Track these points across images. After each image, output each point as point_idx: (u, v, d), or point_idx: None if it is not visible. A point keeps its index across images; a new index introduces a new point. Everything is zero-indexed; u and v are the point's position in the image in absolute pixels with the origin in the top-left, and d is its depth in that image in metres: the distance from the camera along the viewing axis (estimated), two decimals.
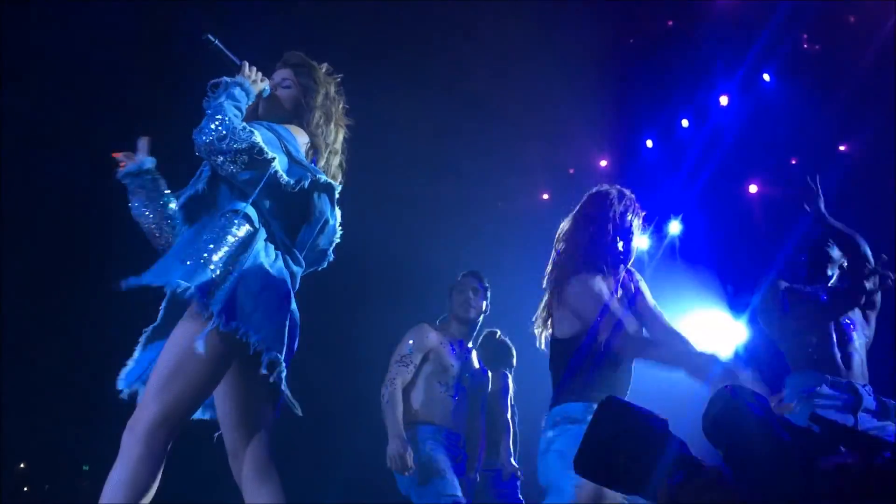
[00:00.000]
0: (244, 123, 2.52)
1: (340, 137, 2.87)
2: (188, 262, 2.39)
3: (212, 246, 2.42)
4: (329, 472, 6.46)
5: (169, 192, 2.75)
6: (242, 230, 2.48)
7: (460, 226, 6.39)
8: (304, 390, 2.75)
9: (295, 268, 2.62)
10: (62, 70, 5.50)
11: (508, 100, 6.04)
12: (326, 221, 2.68)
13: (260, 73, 2.71)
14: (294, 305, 2.61)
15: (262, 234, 2.52)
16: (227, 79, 2.61)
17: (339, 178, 2.87)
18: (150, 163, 2.80)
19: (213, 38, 2.71)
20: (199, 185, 2.58)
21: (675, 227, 6.35)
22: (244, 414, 2.53)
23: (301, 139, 2.72)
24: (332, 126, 2.83)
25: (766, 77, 6.00)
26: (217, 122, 2.48)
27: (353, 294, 6.45)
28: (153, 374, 2.36)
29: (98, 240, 5.78)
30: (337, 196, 2.71)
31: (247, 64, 2.71)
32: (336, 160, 2.85)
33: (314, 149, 2.78)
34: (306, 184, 2.58)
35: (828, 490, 1.08)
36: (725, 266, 5.93)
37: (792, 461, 1.12)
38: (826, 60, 5.36)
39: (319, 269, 2.82)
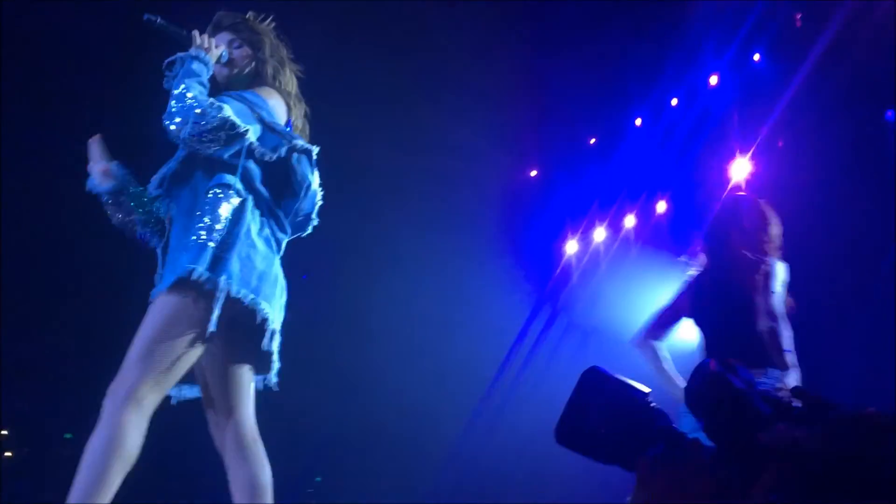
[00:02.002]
0: (211, 99, 2.48)
1: (295, 82, 2.84)
2: (191, 248, 2.38)
3: (207, 222, 2.41)
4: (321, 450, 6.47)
5: (142, 190, 2.70)
6: (234, 202, 2.47)
7: (445, 201, 6.38)
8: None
9: (280, 235, 2.62)
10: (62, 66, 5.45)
11: (495, 75, 6.01)
12: (308, 185, 2.66)
13: (213, 40, 2.65)
14: (280, 271, 2.61)
15: (251, 203, 2.50)
16: (182, 54, 2.57)
17: (307, 128, 2.85)
18: (120, 175, 2.73)
19: (154, 17, 2.65)
20: (172, 164, 2.55)
21: (662, 207, 6.37)
22: (227, 384, 2.53)
23: (272, 100, 2.69)
24: (288, 72, 2.80)
25: (757, 57, 5.99)
26: (184, 105, 2.43)
27: (330, 271, 6.44)
28: (135, 340, 2.35)
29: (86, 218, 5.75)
30: (315, 158, 2.69)
31: (197, 33, 2.65)
32: (301, 109, 2.84)
33: (285, 105, 2.75)
34: (283, 151, 2.56)
35: (794, 463, 1.08)
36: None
37: (767, 433, 1.13)
38: (820, 40, 5.34)
39: (304, 234, 2.80)
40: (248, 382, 2.56)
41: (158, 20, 2.64)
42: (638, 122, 6.64)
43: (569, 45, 6.12)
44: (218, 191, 2.47)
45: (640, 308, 6.09)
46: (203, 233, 2.40)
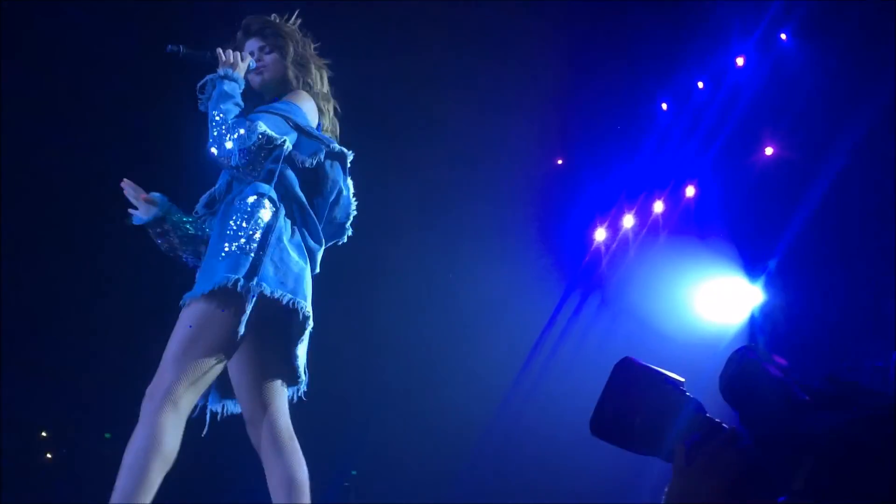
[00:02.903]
0: (248, 120, 2.49)
1: (326, 79, 2.85)
2: (226, 256, 2.40)
3: (245, 232, 2.44)
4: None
5: (181, 215, 2.72)
6: (268, 211, 2.49)
7: (471, 192, 6.36)
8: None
9: (312, 243, 2.63)
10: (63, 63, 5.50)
11: (519, 63, 5.98)
12: (340, 192, 2.68)
13: (238, 53, 2.66)
14: (309, 280, 2.63)
15: (283, 212, 2.52)
16: (212, 76, 2.59)
17: (336, 127, 2.87)
18: (162, 202, 2.74)
19: (177, 48, 2.68)
20: (220, 184, 2.62)
21: (690, 192, 6.31)
22: (261, 384, 2.56)
23: (305, 104, 2.70)
24: (315, 70, 2.81)
25: (784, 37, 5.90)
26: (221, 132, 2.47)
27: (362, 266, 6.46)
28: (170, 343, 2.39)
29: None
30: (349, 164, 2.71)
31: (220, 51, 2.66)
32: (331, 107, 2.85)
33: (316, 106, 2.77)
34: (322, 156, 2.58)
35: (842, 451, 1.07)
36: (741, 230, 5.89)
37: (804, 421, 1.12)
38: (850, 19, 5.25)
39: (339, 243, 2.82)
40: (277, 381, 2.59)
41: (182, 50, 2.66)
42: (664, 106, 6.58)
43: (592, 29, 6.07)
44: (252, 199, 2.49)
45: (670, 294, 6.09)
46: (237, 241, 2.43)
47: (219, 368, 2.42)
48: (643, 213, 6.55)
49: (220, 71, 2.60)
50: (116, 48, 5.38)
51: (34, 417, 6.48)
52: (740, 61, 6.10)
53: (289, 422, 2.56)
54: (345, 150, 2.69)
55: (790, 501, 1.10)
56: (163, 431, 2.26)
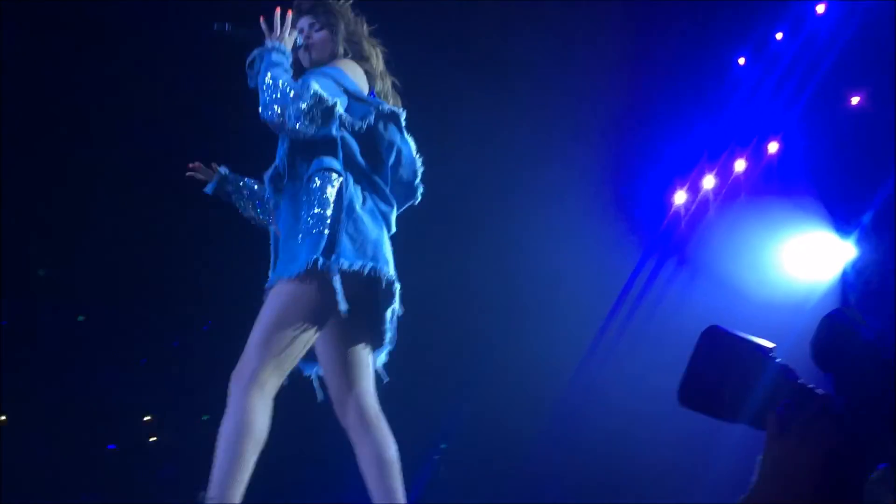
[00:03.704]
0: (299, 81, 2.54)
1: (381, 57, 2.82)
2: (305, 237, 2.44)
3: (318, 212, 2.47)
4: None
5: (255, 183, 2.79)
6: (336, 185, 2.51)
7: (544, 154, 6.29)
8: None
9: (384, 207, 2.64)
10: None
11: (589, 19, 5.86)
12: (400, 151, 2.66)
13: (286, 27, 2.66)
14: (388, 243, 2.64)
15: (350, 179, 2.53)
16: (259, 50, 2.61)
17: (398, 101, 2.86)
18: (221, 172, 2.85)
19: (222, 25, 2.70)
20: (281, 158, 2.63)
21: (773, 148, 6.11)
22: (346, 362, 2.60)
23: (353, 70, 2.69)
24: (367, 47, 2.78)
25: None
26: (278, 92, 2.48)
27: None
28: (255, 327, 2.45)
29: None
30: (404, 122, 2.69)
31: (265, 25, 2.67)
32: (388, 82, 2.84)
33: (369, 76, 2.77)
34: (372, 119, 2.56)
35: None
36: (830, 185, 5.68)
37: None
38: None
39: (415, 203, 2.82)
40: (366, 359, 2.62)
41: (227, 27, 2.70)
42: (741, 61, 6.36)
43: None
44: (319, 176, 2.51)
45: (754, 253, 5.93)
46: (313, 220, 2.46)
47: (303, 350, 2.47)
48: (724, 173, 6.37)
49: (268, 43, 2.62)
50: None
51: (137, 402, 6.76)
52: (821, 8, 5.85)
53: (375, 400, 2.59)
54: (396, 109, 2.67)
55: (892, 466, 1.08)
56: (252, 414, 2.33)
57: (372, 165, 2.63)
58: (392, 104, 2.82)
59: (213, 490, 2.29)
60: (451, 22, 5.67)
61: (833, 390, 1.18)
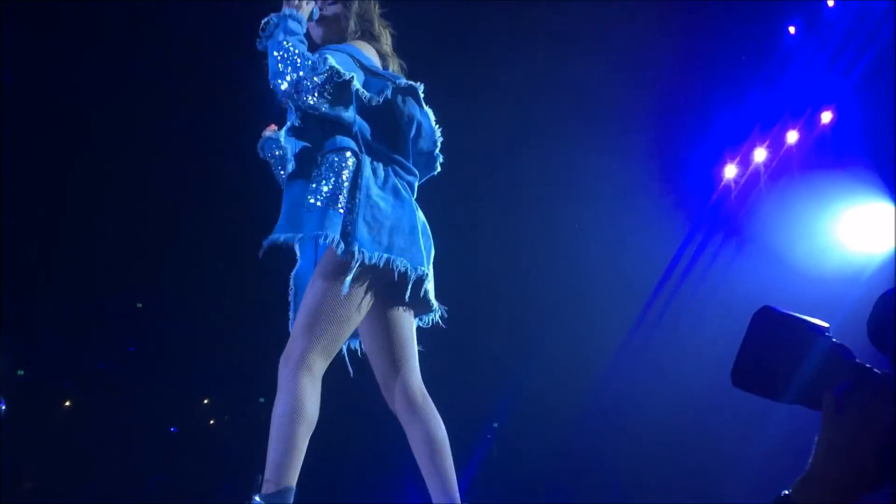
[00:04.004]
0: (315, 53, 2.49)
1: (389, 38, 2.80)
2: (314, 212, 2.44)
3: (331, 189, 2.46)
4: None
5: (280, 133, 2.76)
6: (350, 164, 2.51)
7: (592, 129, 6.23)
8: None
9: (408, 177, 2.64)
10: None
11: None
12: (420, 124, 2.63)
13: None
14: (420, 214, 2.64)
15: (367, 160, 2.54)
16: (275, 15, 2.57)
17: (405, 71, 2.83)
18: (270, 139, 2.76)
19: None
20: (292, 118, 2.59)
21: (826, 118, 5.96)
22: (389, 345, 2.61)
23: (368, 51, 2.67)
24: (378, 27, 2.77)
25: None
26: (290, 62, 2.44)
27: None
28: (301, 311, 2.48)
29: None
30: (422, 95, 2.65)
31: None
32: (396, 63, 2.82)
33: (381, 56, 2.74)
34: (389, 93, 2.55)
35: None
36: (886, 154, 5.53)
37: None
38: None
39: (435, 173, 2.81)
40: (408, 340, 2.63)
41: None
42: (792, 29, 6.20)
43: None
44: (334, 156, 2.50)
45: (807, 226, 5.82)
46: (327, 197, 2.44)
47: (348, 332, 2.50)
48: (776, 145, 6.24)
49: (286, 10, 2.59)
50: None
51: (197, 386, 6.92)
52: None
53: (420, 382, 2.60)
54: (413, 83, 2.64)
55: None
56: (303, 396, 2.37)
57: (392, 140, 2.62)
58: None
59: (269, 472, 2.34)
60: None
61: (891, 370, 1.17)
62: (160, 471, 6.41)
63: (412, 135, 2.63)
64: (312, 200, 2.45)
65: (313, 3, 2.71)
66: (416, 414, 2.54)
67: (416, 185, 2.70)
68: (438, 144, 2.74)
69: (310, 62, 2.44)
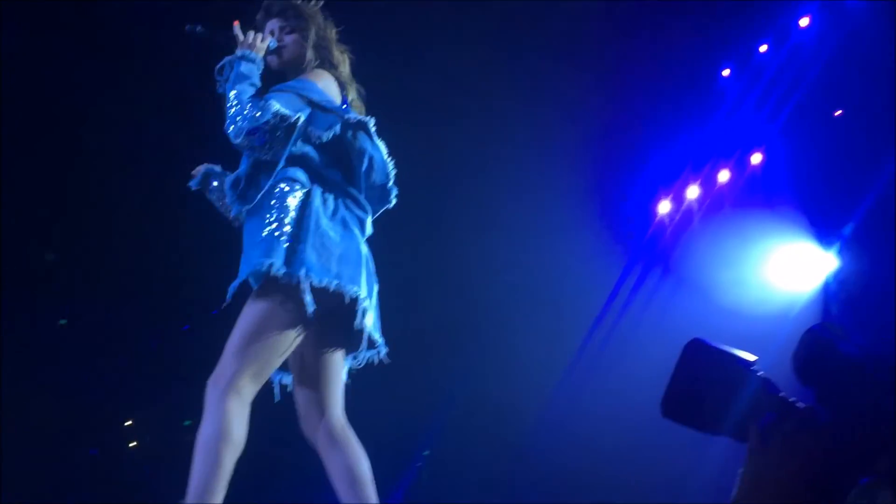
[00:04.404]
0: (262, 100, 2.50)
1: (348, 63, 2.82)
2: (262, 242, 2.43)
3: (277, 217, 2.46)
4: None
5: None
6: (298, 194, 2.50)
7: (529, 164, 6.30)
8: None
9: (358, 212, 2.63)
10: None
11: (574, 30, 5.89)
12: (371, 157, 2.64)
13: (258, 34, 2.67)
14: (366, 250, 2.62)
15: (318, 191, 2.54)
16: (229, 58, 2.61)
17: (363, 109, 2.86)
18: (209, 171, 2.81)
19: (194, 27, 2.69)
20: (244, 167, 2.59)
21: (756, 159, 6.16)
22: (318, 374, 2.58)
23: (322, 81, 2.67)
24: (336, 53, 2.79)
25: None
26: (237, 112, 2.49)
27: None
28: (234, 332, 2.44)
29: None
30: (373, 129, 2.66)
31: (239, 31, 2.66)
32: (354, 89, 2.84)
33: (339, 83, 2.76)
34: (338, 128, 2.56)
35: None
36: (812, 196, 5.74)
37: (886, 400, 1.09)
38: None
39: (389, 206, 2.81)
40: (337, 373, 2.60)
41: (199, 29, 2.68)
42: (726, 72, 6.41)
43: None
44: (283, 185, 2.50)
45: (737, 263, 5.97)
46: (273, 227, 2.44)
47: (280, 360, 2.47)
48: (708, 184, 6.42)
49: (238, 52, 2.61)
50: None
51: (118, 408, 6.72)
52: (804, 22, 5.91)
53: (342, 413, 2.57)
54: (363, 117, 2.65)
55: (875, 481, 1.08)
56: (230, 420, 2.32)
57: (343, 174, 2.62)
58: (359, 108, 2.81)
59: (191, 497, 2.28)
60: (438, 29, 5.67)
61: (815, 404, 1.19)
62: (78, 494, 6.17)
63: (364, 168, 2.63)
64: (265, 233, 2.44)
65: (269, 37, 2.72)
66: (336, 445, 2.51)
67: (369, 220, 2.69)
68: (391, 178, 2.74)
69: (253, 114, 2.46)
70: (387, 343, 2.69)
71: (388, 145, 2.73)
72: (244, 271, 2.45)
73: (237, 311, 2.54)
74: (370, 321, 2.57)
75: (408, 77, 5.66)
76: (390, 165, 2.73)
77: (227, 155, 2.77)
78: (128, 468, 6.71)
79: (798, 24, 5.95)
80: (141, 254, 6.26)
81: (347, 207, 2.59)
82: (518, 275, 6.50)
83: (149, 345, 6.60)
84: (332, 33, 2.82)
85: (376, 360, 2.70)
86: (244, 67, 2.57)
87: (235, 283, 2.47)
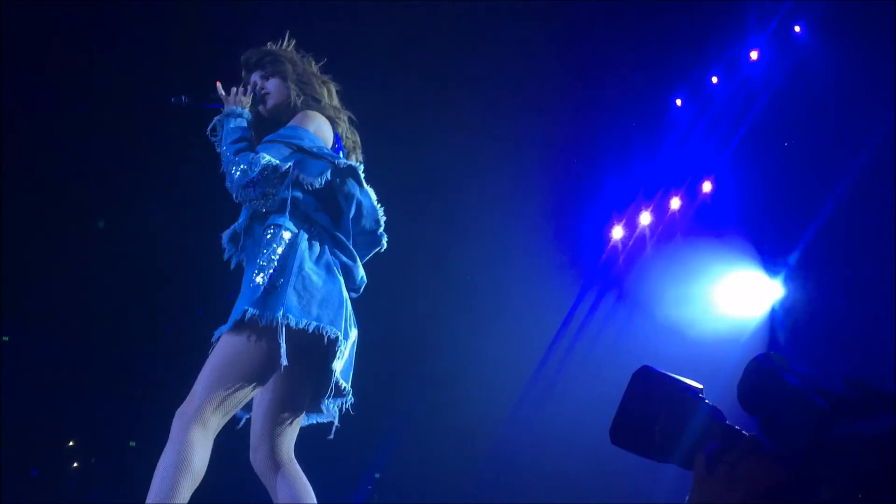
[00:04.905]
0: (252, 154, 2.56)
1: (333, 92, 2.87)
2: (248, 292, 2.46)
3: (263, 265, 2.49)
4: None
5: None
6: (286, 238, 2.53)
7: (485, 190, 6.34)
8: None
9: (344, 258, 2.66)
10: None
11: (531, 59, 5.97)
12: (360, 203, 2.67)
13: (241, 89, 2.74)
14: (346, 296, 2.63)
15: (304, 236, 2.57)
16: (218, 117, 2.69)
17: (356, 135, 2.87)
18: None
19: (179, 98, 2.75)
20: (242, 219, 2.66)
21: (706, 188, 6.28)
22: (279, 410, 2.58)
23: (313, 123, 2.71)
24: (319, 87, 2.82)
25: (798, 29, 5.86)
26: (230, 169, 2.56)
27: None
28: (205, 367, 2.44)
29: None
30: (362, 175, 2.70)
31: (221, 91, 2.73)
32: (345, 118, 2.86)
33: (329, 120, 2.77)
34: (328, 174, 2.60)
35: (863, 460, 1.07)
36: (760, 225, 5.87)
37: (829, 430, 1.11)
38: (864, 12, 5.19)
39: (381, 250, 2.83)
40: (296, 411, 2.60)
41: (184, 99, 2.73)
42: (678, 102, 6.55)
43: (606, 25, 6.05)
44: (271, 231, 2.54)
45: (688, 289, 6.07)
46: (258, 273, 2.47)
47: (249, 395, 2.48)
48: (660, 210, 6.52)
49: (226, 109, 2.68)
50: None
51: (62, 427, 6.56)
52: (754, 55, 6.07)
53: (291, 448, 2.58)
54: (353, 163, 2.70)
55: None
56: (192, 450, 2.32)
57: (332, 219, 2.65)
58: (350, 139, 2.86)
59: None
60: (396, 59, 5.71)
61: (759, 433, 1.21)
62: None
63: (352, 214, 2.67)
64: (251, 283, 2.47)
65: (250, 90, 2.78)
66: (281, 476, 2.52)
67: (357, 267, 2.71)
68: (382, 223, 2.79)
69: (242, 168, 2.53)
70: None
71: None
72: (232, 318, 2.46)
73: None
74: (338, 367, 2.58)
75: (370, 102, 5.68)
76: (380, 212, 2.77)
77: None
78: (67, 490, 6.55)
79: (749, 57, 6.10)
80: (97, 267, 6.15)
81: (333, 253, 2.62)
82: (475, 298, 6.52)
83: (100, 366, 6.46)
84: (312, 66, 2.87)
85: (342, 410, 2.70)
86: (232, 124, 2.64)
87: (223, 329, 2.47)
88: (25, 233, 6.07)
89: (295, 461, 2.56)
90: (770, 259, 5.82)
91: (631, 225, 6.67)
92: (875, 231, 5.14)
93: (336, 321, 2.51)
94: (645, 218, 6.57)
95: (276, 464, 2.52)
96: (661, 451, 1.26)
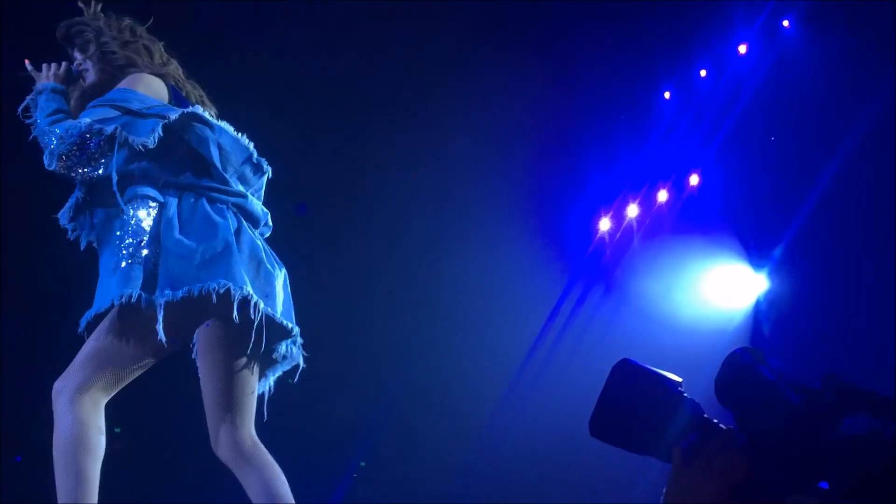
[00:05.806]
0: (69, 121, 2.42)
1: (159, 50, 2.72)
2: (118, 271, 2.34)
3: (130, 241, 2.37)
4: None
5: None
6: (150, 212, 2.41)
7: (472, 181, 6.33)
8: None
9: (231, 198, 2.52)
10: None
11: (518, 50, 5.95)
12: (217, 143, 2.52)
13: (53, 65, 2.59)
14: (259, 240, 2.51)
15: (172, 201, 2.43)
16: (29, 97, 2.55)
17: (199, 92, 2.73)
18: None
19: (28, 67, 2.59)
20: (77, 193, 2.48)
21: (694, 181, 6.31)
22: (220, 389, 2.45)
23: (142, 82, 2.57)
24: (142, 46, 2.69)
25: (786, 24, 5.87)
26: (49, 141, 2.39)
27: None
28: (85, 345, 2.38)
29: None
30: (208, 113, 2.55)
31: (30, 67, 2.59)
32: (181, 73, 2.72)
33: (160, 77, 2.63)
34: (160, 129, 2.44)
35: (835, 458, 1.09)
36: (746, 219, 5.90)
37: (801, 426, 1.13)
38: (853, 6, 5.20)
39: (268, 175, 2.69)
40: (241, 387, 2.45)
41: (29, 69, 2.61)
42: (666, 95, 6.56)
43: (594, 17, 6.05)
44: (133, 205, 2.42)
45: (674, 282, 6.10)
46: (129, 252, 2.36)
47: (136, 372, 2.41)
48: (647, 203, 6.54)
49: (37, 85, 2.56)
50: None
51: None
52: (742, 49, 6.08)
53: (252, 431, 2.46)
54: (186, 109, 2.52)
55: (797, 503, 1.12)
56: (83, 428, 2.28)
57: (199, 171, 2.51)
58: (195, 93, 2.73)
59: None
60: (378, 52, 5.68)
61: (735, 425, 1.23)
62: None
63: (216, 155, 2.52)
64: (116, 262, 2.35)
65: (66, 63, 2.64)
66: (247, 462, 2.40)
67: (249, 201, 2.57)
68: (251, 149, 2.63)
69: (59, 136, 2.37)
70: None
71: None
72: (102, 303, 2.34)
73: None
74: (278, 307, 2.43)
75: (352, 97, 5.66)
76: (244, 139, 2.61)
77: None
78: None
79: (737, 51, 6.12)
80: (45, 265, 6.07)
81: (212, 200, 2.48)
82: (461, 291, 6.51)
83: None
84: (126, 27, 2.71)
85: (298, 357, 2.55)
86: (43, 99, 2.50)
87: (90, 314, 2.38)
88: (25, 233, 5.99)
89: (259, 444, 2.44)
90: (755, 252, 5.86)
91: (618, 217, 6.69)
92: (858, 225, 5.17)
93: (231, 273, 2.34)
94: (632, 210, 6.59)
95: (239, 451, 2.40)
96: (640, 444, 1.28)
